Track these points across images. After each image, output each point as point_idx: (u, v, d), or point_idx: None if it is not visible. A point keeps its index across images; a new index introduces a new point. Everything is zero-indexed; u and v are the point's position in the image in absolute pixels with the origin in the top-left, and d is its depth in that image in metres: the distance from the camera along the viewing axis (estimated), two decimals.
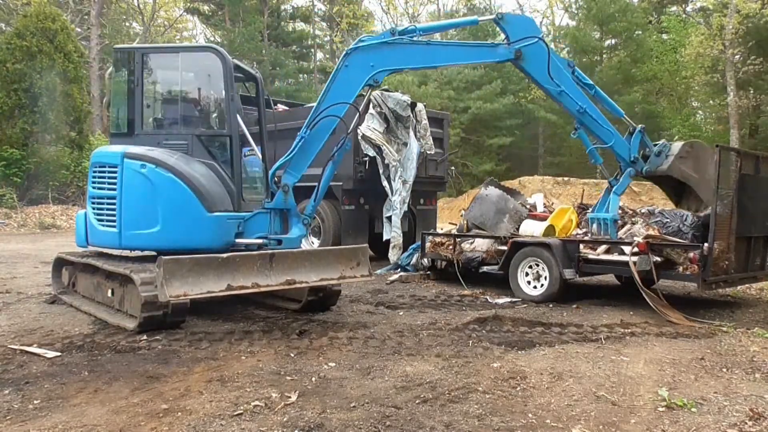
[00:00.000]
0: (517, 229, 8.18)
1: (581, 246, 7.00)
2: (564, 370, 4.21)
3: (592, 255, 6.92)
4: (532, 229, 7.76)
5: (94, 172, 5.83)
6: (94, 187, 5.83)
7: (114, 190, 5.60)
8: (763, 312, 6.67)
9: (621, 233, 7.08)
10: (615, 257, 6.74)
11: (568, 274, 6.79)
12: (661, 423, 3.28)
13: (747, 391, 3.83)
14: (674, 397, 3.66)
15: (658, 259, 6.37)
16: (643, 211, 7.81)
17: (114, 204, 5.61)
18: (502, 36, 7.35)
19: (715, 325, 5.76)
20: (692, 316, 6.29)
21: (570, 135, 7.98)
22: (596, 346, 4.90)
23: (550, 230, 7.62)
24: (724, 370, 4.32)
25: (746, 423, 3.29)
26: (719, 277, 6.27)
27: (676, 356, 4.63)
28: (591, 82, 7.64)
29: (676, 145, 7.60)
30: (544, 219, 8.07)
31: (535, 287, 7.13)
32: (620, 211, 7.69)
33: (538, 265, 7.09)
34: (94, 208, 5.81)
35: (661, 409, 3.50)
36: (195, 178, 5.61)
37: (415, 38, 6.63)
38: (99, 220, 5.75)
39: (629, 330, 5.52)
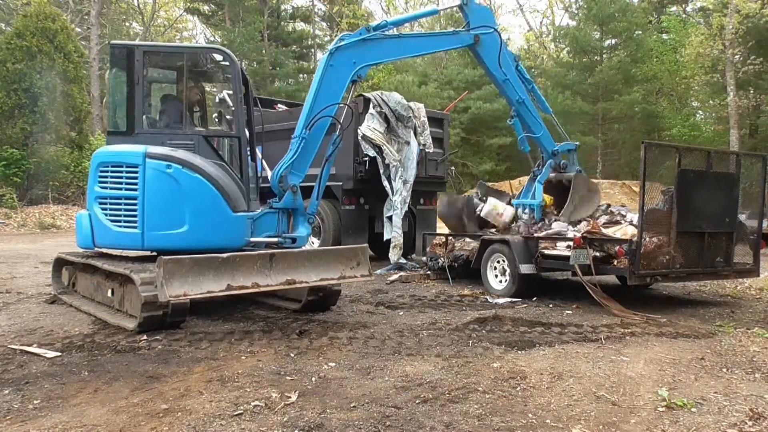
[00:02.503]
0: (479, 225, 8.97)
1: (540, 243, 7.37)
2: (564, 370, 4.21)
3: (549, 251, 7.24)
4: (493, 203, 8.29)
5: (104, 171, 5.63)
6: (103, 187, 5.62)
7: (134, 190, 5.49)
8: (763, 312, 6.67)
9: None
10: (569, 252, 6.87)
11: (525, 269, 7.12)
12: (661, 423, 3.28)
13: (747, 391, 3.83)
14: (674, 397, 3.66)
15: (597, 254, 6.61)
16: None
17: (134, 204, 5.49)
18: None
19: (654, 319, 5.78)
20: (691, 316, 6.30)
21: (507, 122, 8.93)
22: (596, 346, 4.90)
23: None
24: (724, 370, 4.32)
25: (746, 423, 3.29)
26: (657, 271, 6.39)
27: (676, 356, 4.63)
28: (530, 78, 8.57)
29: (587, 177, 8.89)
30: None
31: (500, 281, 7.54)
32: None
33: (504, 261, 7.44)
34: (105, 209, 5.61)
35: (661, 409, 3.50)
36: (220, 179, 5.72)
37: (387, 32, 6.97)
38: (114, 220, 5.57)
39: (629, 330, 5.52)
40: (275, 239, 6.17)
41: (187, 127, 6.05)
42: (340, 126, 6.63)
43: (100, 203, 5.65)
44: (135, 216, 5.50)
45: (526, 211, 8.30)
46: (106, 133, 6.27)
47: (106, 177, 5.64)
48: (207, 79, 6.94)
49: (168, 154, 5.55)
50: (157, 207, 5.50)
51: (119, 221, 5.57)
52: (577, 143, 8.93)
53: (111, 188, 5.62)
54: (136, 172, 5.49)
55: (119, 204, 5.58)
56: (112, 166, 5.62)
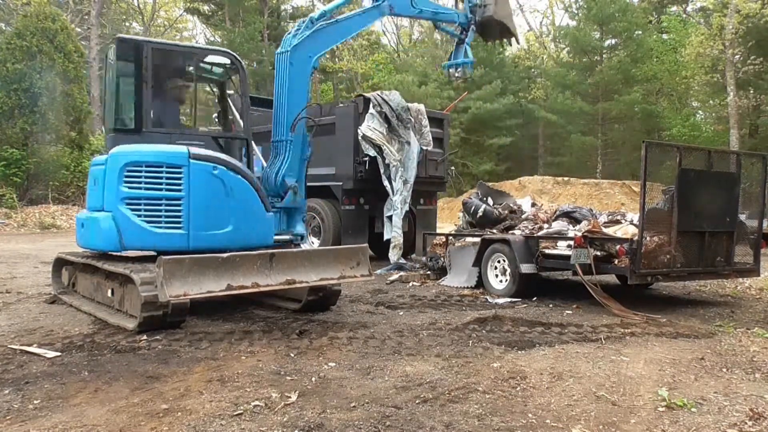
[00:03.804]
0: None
1: (541, 242, 7.35)
2: (564, 370, 4.21)
3: (550, 250, 7.24)
4: None
5: (135, 172, 5.42)
6: (134, 188, 5.42)
7: (178, 191, 5.47)
8: (763, 312, 6.67)
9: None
10: (569, 252, 6.88)
11: (526, 269, 7.11)
12: (661, 423, 3.28)
13: (747, 391, 3.83)
14: (674, 397, 3.66)
15: (598, 253, 6.60)
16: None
17: (178, 205, 5.47)
18: None
19: (654, 319, 5.78)
20: (691, 316, 6.30)
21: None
22: (596, 346, 4.90)
23: None
24: (724, 370, 4.32)
25: (746, 423, 3.29)
26: (657, 271, 6.39)
27: (676, 356, 4.63)
28: None
29: None
30: None
31: (501, 281, 7.50)
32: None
33: (504, 261, 7.42)
34: (137, 210, 5.42)
35: (661, 409, 3.49)
36: (255, 180, 5.87)
37: (327, 20, 7.17)
38: (151, 221, 5.45)
39: (629, 330, 5.52)
40: (289, 237, 6.36)
41: (197, 127, 6.11)
42: (315, 125, 6.89)
43: (130, 204, 5.43)
44: (179, 217, 5.48)
45: (459, 70, 8.66)
46: (111, 130, 6.03)
47: (139, 177, 5.46)
48: (218, 79, 7.02)
49: (211, 155, 5.64)
50: (203, 208, 5.55)
51: (159, 222, 5.47)
52: None
53: (147, 189, 5.46)
54: (180, 173, 5.47)
55: (159, 205, 5.48)
56: (148, 166, 5.47)
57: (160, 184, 5.47)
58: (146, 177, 5.47)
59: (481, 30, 9.22)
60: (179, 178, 5.46)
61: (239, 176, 5.72)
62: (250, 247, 5.44)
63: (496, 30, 9.28)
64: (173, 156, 5.49)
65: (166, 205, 5.48)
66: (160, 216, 5.48)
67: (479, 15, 9.01)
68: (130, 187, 5.46)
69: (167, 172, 5.46)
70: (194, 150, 5.57)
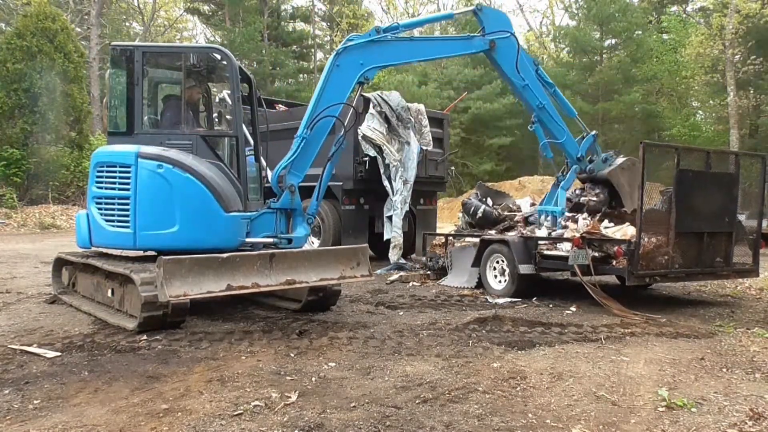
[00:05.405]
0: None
1: (540, 243, 7.33)
2: (564, 370, 4.21)
3: (548, 251, 7.24)
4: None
5: (100, 171, 5.68)
6: (99, 187, 5.67)
7: (127, 190, 5.49)
8: (763, 312, 6.67)
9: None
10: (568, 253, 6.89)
11: (525, 269, 7.11)
12: (661, 423, 3.28)
13: (747, 391, 3.83)
14: (674, 397, 3.66)
15: (596, 254, 6.61)
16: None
17: (127, 204, 5.50)
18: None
19: (654, 319, 5.78)
20: (691, 316, 6.30)
21: (529, 128, 8.48)
22: (596, 346, 4.90)
23: None
24: (724, 370, 4.32)
25: (746, 423, 3.29)
26: (655, 272, 6.39)
27: (676, 356, 4.63)
28: (551, 82, 8.22)
29: (621, 158, 8.39)
30: None
31: (500, 281, 7.49)
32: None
33: (503, 261, 7.42)
34: (100, 209, 5.67)
35: (661, 409, 3.50)
36: (212, 179, 5.66)
37: (398, 35, 6.87)
38: (108, 220, 5.61)
39: (629, 330, 5.52)
40: (271, 240, 6.09)
41: (186, 127, 6.00)
42: (343, 127, 6.59)
43: (97, 203, 5.70)
44: (128, 216, 5.51)
45: (548, 218, 8.08)
46: (107, 133, 6.26)
47: (102, 177, 5.68)
48: (207, 79, 6.93)
49: (159, 154, 5.54)
50: (149, 207, 5.49)
51: (113, 221, 5.60)
52: (595, 132, 8.46)
53: (106, 188, 5.65)
54: (129, 172, 5.49)
55: (113, 204, 5.61)
56: (108, 166, 5.64)
57: (114, 183, 5.60)
58: (107, 177, 5.65)
59: (589, 179, 8.40)
60: (128, 177, 5.51)
61: (187, 175, 5.50)
62: (202, 249, 5.24)
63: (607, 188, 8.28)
64: (124, 156, 5.55)
65: (119, 204, 5.58)
66: (114, 215, 5.61)
67: (595, 168, 8.15)
68: (98, 187, 5.69)
69: (119, 172, 5.56)
70: (145, 149, 5.53)
